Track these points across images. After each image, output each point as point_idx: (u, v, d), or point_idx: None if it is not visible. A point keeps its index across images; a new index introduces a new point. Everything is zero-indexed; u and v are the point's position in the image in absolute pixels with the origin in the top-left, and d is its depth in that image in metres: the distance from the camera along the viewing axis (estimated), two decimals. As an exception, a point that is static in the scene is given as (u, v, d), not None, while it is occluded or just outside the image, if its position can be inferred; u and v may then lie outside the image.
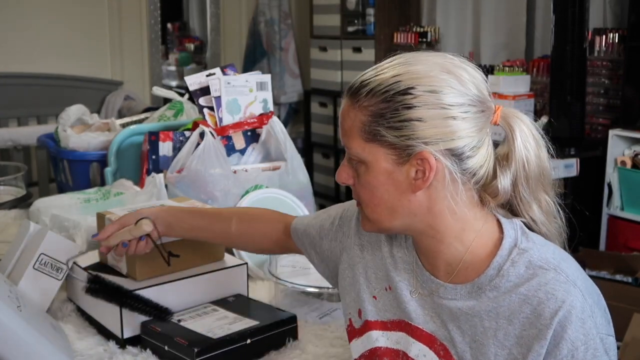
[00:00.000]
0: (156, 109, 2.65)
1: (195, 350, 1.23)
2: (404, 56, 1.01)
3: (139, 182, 2.01)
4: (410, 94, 0.96)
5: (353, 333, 1.14)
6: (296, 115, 5.50)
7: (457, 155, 0.97)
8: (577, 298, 0.94)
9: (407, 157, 0.97)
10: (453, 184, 0.98)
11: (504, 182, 1.01)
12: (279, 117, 3.58)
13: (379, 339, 1.10)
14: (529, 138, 1.03)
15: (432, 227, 1.01)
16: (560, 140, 3.32)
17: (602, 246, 3.26)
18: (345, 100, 1.02)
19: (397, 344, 1.08)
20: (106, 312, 1.40)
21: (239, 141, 2.00)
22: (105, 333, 1.39)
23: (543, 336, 0.93)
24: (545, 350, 0.93)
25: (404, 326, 1.08)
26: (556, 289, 0.94)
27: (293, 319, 1.40)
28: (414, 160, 0.97)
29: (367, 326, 1.12)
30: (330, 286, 1.33)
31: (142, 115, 2.64)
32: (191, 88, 1.99)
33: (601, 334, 0.95)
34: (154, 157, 1.99)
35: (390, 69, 0.99)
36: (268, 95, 2.04)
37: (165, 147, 2.00)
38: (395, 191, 0.99)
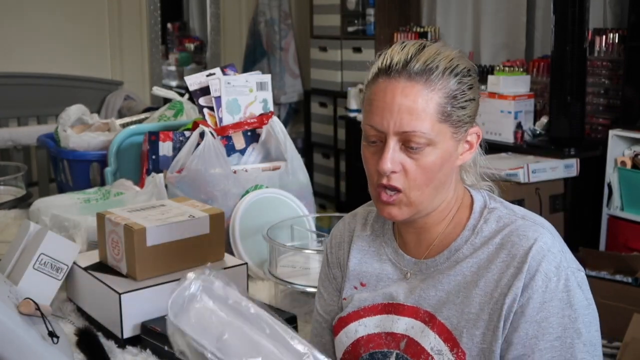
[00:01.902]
0: (156, 109, 2.65)
1: (195, 350, 1.23)
2: (427, 42, 1.06)
3: (139, 182, 2.01)
4: (471, 75, 1.05)
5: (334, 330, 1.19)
6: (296, 115, 5.50)
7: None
8: (547, 236, 1.03)
9: (464, 134, 1.05)
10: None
11: None
12: (279, 117, 3.57)
13: (358, 329, 1.13)
14: None
15: (444, 200, 1.08)
16: (560, 140, 3.32)
17: (602, 246, 3.26)
18: (410, 82, 1.01)
19: (376, 327, 1.12)
20: (106, 312, 1.40)
21: (239, 141, 2.00)
22: (105, 333, 1.39)
23: (520, 271, 1.00)
24: (522, 283, 0.99)
25: (381, 309, 1.12)
26: (527, 230, 1.03)
27: (293, 319, 1.40)
28: (468, 136, 1.06)
29: (343, 322, 1.16)
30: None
31: (142, 115, 2.64)
32: (191, 88, 1.98)
33: (572, 267, 1.02)
34: (154, 157, 1.99)
35: (438, 51, 1.03)
36: (268, 95, 2.04)
37: (165, 147, 2.00)
38: (447, 168, 1.05)
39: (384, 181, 1.04)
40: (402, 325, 1.09)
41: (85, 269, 1.46)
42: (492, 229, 1.06)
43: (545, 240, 1.01)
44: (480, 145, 1.12)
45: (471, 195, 1.12)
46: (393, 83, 1.01)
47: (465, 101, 1.03)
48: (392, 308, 1.11)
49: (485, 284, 1.03)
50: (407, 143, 1.01)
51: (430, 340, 1.05)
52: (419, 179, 1.03)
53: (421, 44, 1.05)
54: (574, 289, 1.00)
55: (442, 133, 1.02)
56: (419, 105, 1.00)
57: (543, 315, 0.99)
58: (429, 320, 1.06)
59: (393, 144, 1.02)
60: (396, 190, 1.04)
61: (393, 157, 1.02)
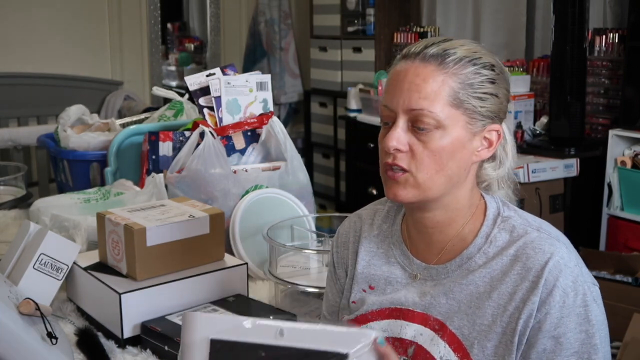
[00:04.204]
0: (156, 109, 2.65)
1: (195, 350, 1.23)
2: (455, 39, 1.06)
3: (139, 182, 2.01)
4: (493, 70, 1.03)
5: None
6: (296, 115, 5.50)
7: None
8: (563, 250, 1.01)
9: (481, 128, 1.04)
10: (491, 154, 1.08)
11: None
12: (279, 117, 3.58)
13: None
14: None
15: (456, 197, 1.07)
16: (560, 140, 3.32)
17: (602, 246, 3.26)
18: (424, 64, 1.02)
19: (383, 332, 1.10)
20: (106, 312, 1.40)
21: (239, 141, 2.00)
22: (105, 333, 1.39)
23: (536, 286, 0.99)
24: (539, 298, 0.98)
25: (388, 313, 1.11)
26: (542, 244, 1.01)
27: (293, 319, 1.40)
28: (485, 132, 1.04)
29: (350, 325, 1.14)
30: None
31: (142, 115, 2.64)
32: (191, 88, 1.98)
33: (587, 282, 1.01)
34: (154, 157, 1.99)
35: (463, 43, 1.04)
36: (268, 95, 2.04)
37: (165, 147, 2.00)
38: (460, 160, 1.03)
39: (390, 159, 1.03)
40: (410, 331, 1.08)
41: (85, 269, 1.46)
42: (505, 239, 1.05)
43: (561, 254, 1.00)
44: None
45: (485, 201, 1.10)
46: (408, 64, 1.03)
47: (484, 93, 1.02)
48: (400, 313, 1.09)
49: (499, 296, 1.01)
50: (415, 123, 1.01)
51: (440, 349, 1.04)
52: (426, 162, 1.01)
53: (450, 38, 1.06)
54: (591, 304, 0.99)
55: (453, 119, 1.01)
56: (429, 85, 1.00)
57: (561, 330, 0.98)
58: (440, 328, 1.05)
59: (402, 123, 1.02)
60: (401, 169, 1.02)
61: (399, 135, 1.02)
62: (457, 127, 1.01)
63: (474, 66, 1.02)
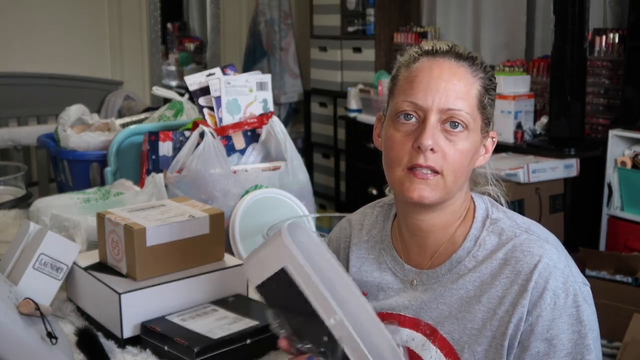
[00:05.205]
0: (156, 109, 2.65)
1: (195, 350, 1.23)
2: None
3: (139, 182, 2.01)
4: (495, 81, 1.06)
5: None
6: (296, 115, 5.50)
7: None
8: (552, 251, 1.00)
9: (485, 134, 1.05)
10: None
11: None
12: (279, 117, 3.58)
13: None
14: None
15: (457, 200, 1.07)
16: (560, 140, 3.32)
17: (602, 246, 3.26)
18: (457, 63, 1.02)
19: None
20: (106, 312, 1.40)
21: (239, 141, 2.00)
22: (105, 333, 1.39)
23: (525, 289, 0.98)
24: (528, 302, 0.98)
25: (380, 319, 1.10)
26: (531, 246, 1.01)
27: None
28: (488, 137, 1.06)
29: None
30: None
31: (142, 115, 2.64)
32: (191, 88, 1.98)
33: (578, 282, 1.01)
34: (153, 157, 1.99)
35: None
36: (268, 95, 2.04)
37: (165, 147, 2.00)
38: (471, 164, 1.04)
39: (421, 161, 0.99)
40: (402, 336, 1.07)
41: (85, 269, 1.46)
42: (494, 243, 1.04)
43: (550, 256, 0.99)
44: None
45: (474, 202, 1.10)
46: (440, 62, 1.02)
47: (492, 100, 1.05)
48: (391, 318, 1.09)
49: (488, 300, 1.01)
50: (448, 122, 1.00)
51: (431, 354, 1.04)
52: (456, 163, 1.00)
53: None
54: (582, 304, 0.99)
55: (476, 122, 1.02)
56: (464, 85, 1.01)
57: (553, 332, 0.97)
58: (431, 333, 1.05)
59: (434, 121, 0.99)
60: (433, 171, 1.00)
61: (434, 133, 0.99)
62: (476, 131, 1.03)
63: (487, 73, 1.04)
